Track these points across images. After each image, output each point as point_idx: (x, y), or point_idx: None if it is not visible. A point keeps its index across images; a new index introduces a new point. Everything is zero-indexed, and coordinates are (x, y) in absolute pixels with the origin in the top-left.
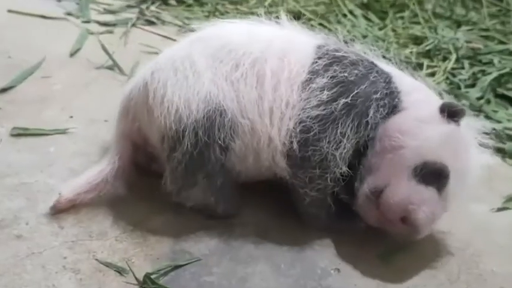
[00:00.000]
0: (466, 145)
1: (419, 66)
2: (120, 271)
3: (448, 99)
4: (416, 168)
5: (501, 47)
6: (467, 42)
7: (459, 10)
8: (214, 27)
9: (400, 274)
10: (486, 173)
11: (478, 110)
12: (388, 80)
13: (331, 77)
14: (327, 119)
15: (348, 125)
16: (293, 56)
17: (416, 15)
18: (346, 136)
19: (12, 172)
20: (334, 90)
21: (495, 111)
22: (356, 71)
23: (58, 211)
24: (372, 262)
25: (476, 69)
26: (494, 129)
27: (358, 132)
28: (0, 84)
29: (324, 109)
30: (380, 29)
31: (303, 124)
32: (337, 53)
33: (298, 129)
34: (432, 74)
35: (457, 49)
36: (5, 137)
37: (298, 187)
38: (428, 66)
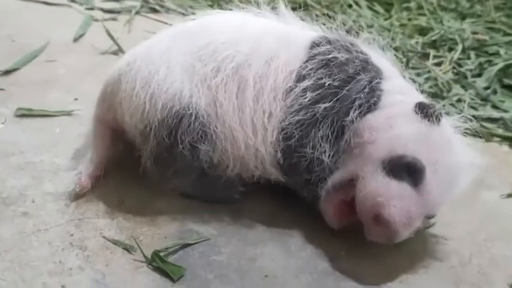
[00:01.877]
0: (448, 144)
1: (426, 56)
2: (127, 248)
3: (430, 101)
4: (385, 162)
5: (507, 38)
6: (473, 33)
7: (464, 3)
8: (203, 19)
9: (411, 257)
10: (495, 162)
11: (484, 100)
12: (374, 79)
13: (314, 81)
14: (308, 123)
15: (329, 127)
16: (282, 58)
17: (421, 7)
18: (328, 139)
19: (17, 151)
20: (317, 93)
21: (502, 101)
22: (342, 75)
23: (84, 190)
24: (380, 246)
25: (482, 59)
26: (501, 118)
27: (340, 133)
28: (4, 66)
29: (305, 113)
30: (385, 19)
31: (285, 132)
32: (327, 56)
33: (280, 138)
34: (438, 64)
35: (463, 40)
36: (10, 118)
37: (296, 189)
38: (435, 56)
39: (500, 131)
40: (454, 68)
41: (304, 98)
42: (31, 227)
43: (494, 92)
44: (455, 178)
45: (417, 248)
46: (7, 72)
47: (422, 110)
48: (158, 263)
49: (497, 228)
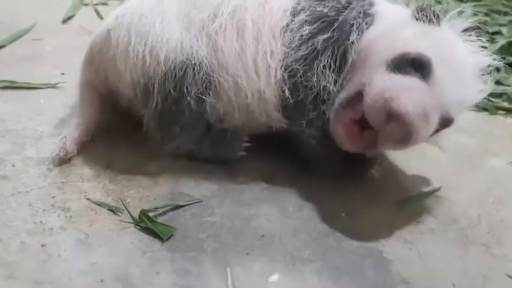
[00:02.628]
0: (452, 41)
1: None
2: (113, 210)
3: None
4: (389, 61)
5: (509, 17)
6: (474, 14)
7: None
8: None
9: (416, 219)
10: (501, 132)
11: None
12: (365, 4)
13: (309, 14)
14: (310, 56)
15: (330, 56)
16: (274, 0)
17: None
18: (331, 67)
19: None
20: (314, 26)
21: (506, 77)
22: (337, 5)
23: (68, 155)
24: (386, 208)
25: (483, 38)
26: (505, 92)
27: (344, 60)
28: None
29: (306, 48)
30: None
31: (289, 69)
32: None
33: (286, 76)
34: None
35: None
36: None
37: (300, 133)
38: None
39: (505, 104)
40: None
41: (303, 33)
42: (10, 190)
43: (497, 69)
44: (466, 75)
45: (423, 210)
46: None
47: (421, 12)
48: (146, 223)
49: (506, 191)
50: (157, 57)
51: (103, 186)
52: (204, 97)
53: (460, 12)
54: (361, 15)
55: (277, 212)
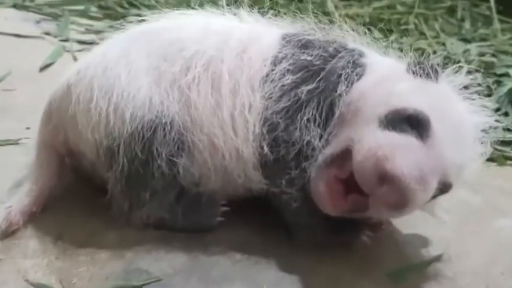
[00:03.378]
0: (451, 98)
1: None
2: None
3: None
4: (383, 117)
5: None
6: (480, 55)
7: (468, 27)
8: (163, 19)
9: None
10: (509, 186)
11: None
12: (355, 54)
13: (292, 62)
14: (292, 108)
15: (315, 109)
16: (254, 49)
17: (423, 33)
18: (316, 121)
19: None
20: (298, 75)
21: None
22: (323, 53)
23: (13, 227)
24: (379, 282)
25: (490, 80)
26: None
27: (331, 113)
28: None
29: (288, 99)
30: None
31: (269, 122)
32: (303, 37)
33: (265, 130)
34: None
35: (468, 62)
36: None
37: (279, 194)
38: None
39: None
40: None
41: (285, 82)
42: None
43: (506, 114)
44: (466, 136)
45: (422, 284)
46: None
47: (418, 65)
48: None
49: None
50: (123, 115)
51: (47, 263)
52: (175, 159)
53: (459, 68)
54: (350, 65)
55: None
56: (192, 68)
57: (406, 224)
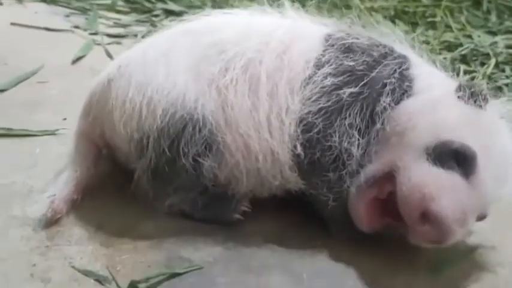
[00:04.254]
0: (498, 129)
1: (456, 71)
2: (100, 280)
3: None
4: (429, 148)
5: None
6: (508, 47)
7: (494, 19)
8: (205, 18)
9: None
10: None
11: None
12: (402, 63)
13: (336, 67)
14: (332, 110)
15: (357, 114)
16: (295, 50)
17: (448, 26)
18: (358, 127)
19: None
20: (340, 79)
21: None
22: (367, 59)
23: (57, 215)
24: (418, 274)
25: None
26: None
27: (371, 121)
28: None
29: (328, 100)
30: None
31: (304, 122)
32: (347, 41)
33: (299, 130)
34: (471, 79)
35: (496, 54)
36: None
37: (317, 196)
38: (466, 71)
39: None
40: (487, 83)
41: (326, 84)
42: None
43: None
44: (507, 170)
45: (461, 276)
46: None
47: (467, 90)
48: None
49: None
50: (155, 110)
51: (92, 250)
52: (201, 160)
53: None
54: (396, 75)
55: (290, 280)
56: (231, 69)
57: None
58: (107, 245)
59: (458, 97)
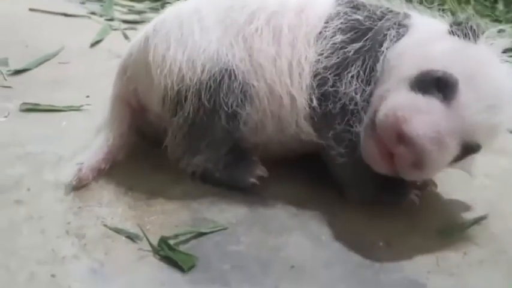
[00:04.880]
0: (488, 61)
1: None
2: (131, 237)
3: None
4: (412, 78)
5: None
6: None
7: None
8: None
9: (462, 249)
10: None
11: None
12: (402, 16)
13: (344, 22)
14: (341, 65)
15: (360, 65)
16: (310, 9)
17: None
18: (360, 77)
19: (17, 142)
20: (347, 35)
21: None
22: (372, 15)
23: (83, 182)
24: (428, 237)
25: None
26: None
27: (374, 70)
28: (15, 68)
29: (338, 57)
30: None
31: (319, 77)
32: (354, 1)
33: (315, 84)
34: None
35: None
36: (14, 112)
37: (328, 149)
38: None
39: None
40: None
41: (336, 41)
42: (23, 215)
43: None
44: (498, 99)
45: (468, 240)
46: (17, 72)
47: (458, 25)
48: (166, 252)
49: None
50: (194, 66)
51: (122, 211)
52: (239, 110)
53: (501, 31)
54: (395, 26)
55: (309, 241)
56: (256, 19)
57: (451, 187)
58: (135, 207)
59: (449, 32)
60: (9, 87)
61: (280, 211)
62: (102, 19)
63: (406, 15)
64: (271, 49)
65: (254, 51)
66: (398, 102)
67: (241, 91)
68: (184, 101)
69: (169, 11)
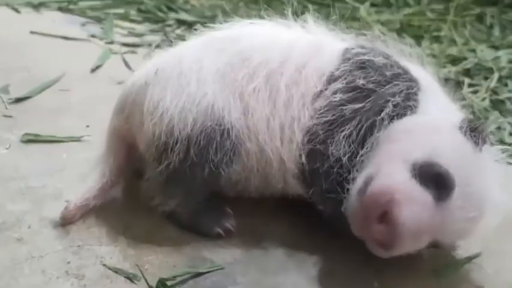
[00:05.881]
0: (485, 172)
1: (460, 84)
2: (130, 278)
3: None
4: (416, 163)
5: None
6: (510, 62)
7: (497, 33)
8: (234, 28)
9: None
10: None
11: None
12: (411, 86)
13: (347, 83)
14: (334, 123)
15: (355, 126)
16: (313, 65)
17: (453, 40)
18: (351, 138)
19: (19, 176)
20: (349, 95)
21: None
22: (379, 77)
23: (68, 221)
24: (423, 277)
25: None
26: None
27: (369, 133)
28: (16, 95)
29: (333, 114)
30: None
31: (310, 133)
32: (363, 57)
33: (305, 140)
34: (474, 92)
35: (499, 68)
36: (15, 143)
37: (315, 203)
38: (470, 85)
39: None
40: (491, 95)
41: (334, 99)
42: (24, 254)
43: None
44: (480, 212)
45: (463, 280)
46: (18, 100)
47: (470, 127)
48: None
49: None
50: (186, 118)
51: (120, 250)
52: (225, 168)
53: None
54: (402, 95)
55: (305, 280)
56: (255, 78)
57: None
58: (134, 245)
59: (460, 128)
60: (11, 116)
61: (276, 251)
62: (102, 42)
63: (417, 86)
64: (266, 110)
65: (249, 111)
66: (396, 182)
67: (231, 150)
68: (170, 152)
69: (171, 55)
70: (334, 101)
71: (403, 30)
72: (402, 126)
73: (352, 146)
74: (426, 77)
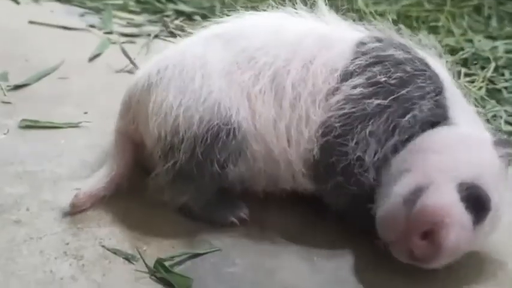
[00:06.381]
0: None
1: (457, 74)
2: (128, 258)
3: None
4: (463, 184)
5: None
6: (507, 52)
7: (494, 24)
8: (237, 21)
9: (456, 276)
10: None
11: None
12: (437, 90)
13: (367, 78)
14: (354, 116)
15: (380, 125)
16: (322, 59)
17: (450, 31)
18: (377, 138)
19: (17, 161)
20: (369, 90)
21: None
22: (400, 74)
23: (78, 208)
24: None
25: None
26: None
27: (391, 134)
28: (14, 83)
29: (353, 107)
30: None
31: (325, 125)
32: (380, 52)
33: (319, 133)
34: (471, 82)
35: (496, 58)
36: (13, 129)
37: (324, 198)
38: (466, 74)
39: None
40: (487, 85)
41: (353, 93)
42: (22, 235)
43: None
44: (494, 229)
45: (464, 266)
46: (17, 87)
47: (503, 147)
48: (162, 273)
49: None
50: (191, 117)
51: (120, 232)
52: (232, 167)
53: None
54: (430, 100)
55: (303, 263)
56: (261, 78)
57: None
58: (133, 228)
59: (495, 146)
60: (9, 102)
61: (276, 235)
62: (101, 33)
63: (440, 88)
64: (272, 111)
65: (256, 112)
66: (448, 204)
67: (237, 150)
68: (177, 150)
69: (173, 53)
70: (354, 95)
71: (400, 21)
72: (441, 138)
73: (376, 144)
74: (443, 71)
